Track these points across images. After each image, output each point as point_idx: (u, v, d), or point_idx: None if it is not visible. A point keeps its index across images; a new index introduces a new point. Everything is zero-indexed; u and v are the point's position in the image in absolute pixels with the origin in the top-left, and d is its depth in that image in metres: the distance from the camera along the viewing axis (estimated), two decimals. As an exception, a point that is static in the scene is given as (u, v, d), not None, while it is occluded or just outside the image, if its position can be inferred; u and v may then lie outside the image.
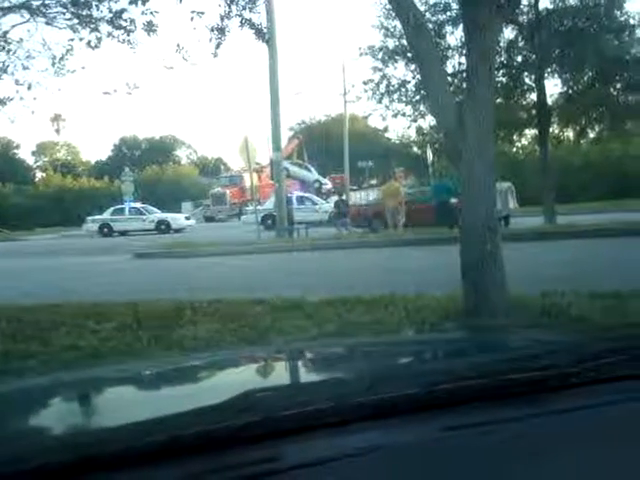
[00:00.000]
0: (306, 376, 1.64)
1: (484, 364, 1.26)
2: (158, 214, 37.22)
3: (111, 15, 9.36)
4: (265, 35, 9.42)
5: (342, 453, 0.92)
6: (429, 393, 1.07)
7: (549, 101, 20.13)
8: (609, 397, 1.10)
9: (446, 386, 1.08)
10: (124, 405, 1.28)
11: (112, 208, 37.38)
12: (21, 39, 10.58)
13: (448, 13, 19.12)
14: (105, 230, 35.98)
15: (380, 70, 20.48)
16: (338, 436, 0.97)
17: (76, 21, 9.74)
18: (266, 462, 0.90)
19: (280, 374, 1.67)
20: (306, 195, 35.55)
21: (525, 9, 19.00)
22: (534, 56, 19.40)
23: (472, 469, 0.93)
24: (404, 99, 20.64)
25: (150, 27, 9.48)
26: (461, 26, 12.97)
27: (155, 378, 1.63)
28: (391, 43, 20.08)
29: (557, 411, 1.07)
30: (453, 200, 17.42)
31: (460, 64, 18.33)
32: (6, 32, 10.41)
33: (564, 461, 0.95)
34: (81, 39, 9.97)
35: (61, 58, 10.64)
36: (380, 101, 20.81)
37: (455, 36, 19.27)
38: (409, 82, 20.16)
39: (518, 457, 0.96)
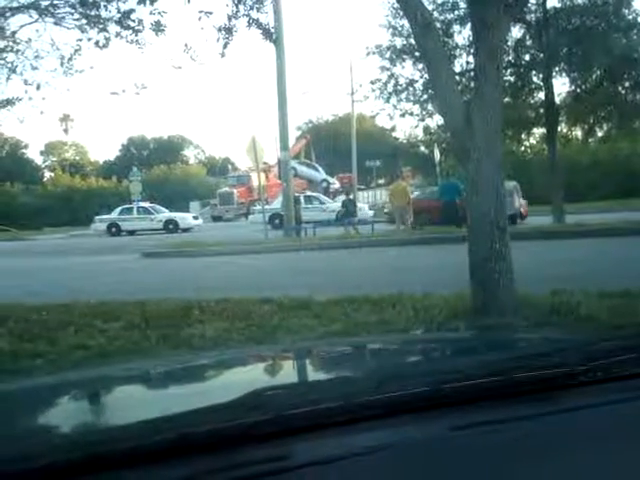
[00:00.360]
0: (315, 375, 1.63)
1: (493, 362, 1.26)
2: (166, 213, 37.27)
3: (119, 15, 9.37)
4: (272, 35, 9.41)
5: (351, 452, 0.92)
6: (438, 392, 1.07)
7: (557, 100, 20.07)
8: (618, 395, 1.10)
9: (455, 385, 1.08)
10: (132, 404, 1.28)
11: (120, 208, 37.43)
12: (30, 39, 10.62)
13: (456, 12, 19.07)
14: (113, 230, 36.05)
15: (388, 69, 20.45)
16: (347, 434, 0.97)
17: (84, 21, 9.76)
18: (275, 460, 0.89)
19: (288, 373, 1.67)
20: (314, 194, 35.58)
21: (533, 8, 18.93)
22: (542, 55, 19.34)
23: (481, 467, 0.93)
24: (412, 98, 20.61)
25: (158, 27, 9.48)
26: (469, 25, 12.96)
27: (163, 377, 1.63)
28: (399, 42, 20.04)
29: (566, 409, 1.06)
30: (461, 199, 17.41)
31: (468, 63, 18.29)
32: (15, 32, 10.46)
33: (573, 460, 0.95)
34: (89, 39, 9.99)
35: (69, 58, 10.67)
36: (388, 100, 20.78)
37: (463, 35, 19.24)
38: (417, 81, 20.13)
39: (527, 455, 0.95)
